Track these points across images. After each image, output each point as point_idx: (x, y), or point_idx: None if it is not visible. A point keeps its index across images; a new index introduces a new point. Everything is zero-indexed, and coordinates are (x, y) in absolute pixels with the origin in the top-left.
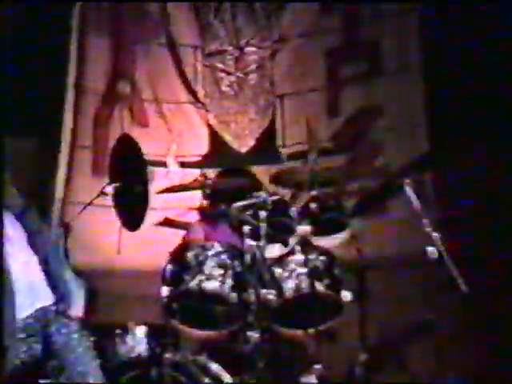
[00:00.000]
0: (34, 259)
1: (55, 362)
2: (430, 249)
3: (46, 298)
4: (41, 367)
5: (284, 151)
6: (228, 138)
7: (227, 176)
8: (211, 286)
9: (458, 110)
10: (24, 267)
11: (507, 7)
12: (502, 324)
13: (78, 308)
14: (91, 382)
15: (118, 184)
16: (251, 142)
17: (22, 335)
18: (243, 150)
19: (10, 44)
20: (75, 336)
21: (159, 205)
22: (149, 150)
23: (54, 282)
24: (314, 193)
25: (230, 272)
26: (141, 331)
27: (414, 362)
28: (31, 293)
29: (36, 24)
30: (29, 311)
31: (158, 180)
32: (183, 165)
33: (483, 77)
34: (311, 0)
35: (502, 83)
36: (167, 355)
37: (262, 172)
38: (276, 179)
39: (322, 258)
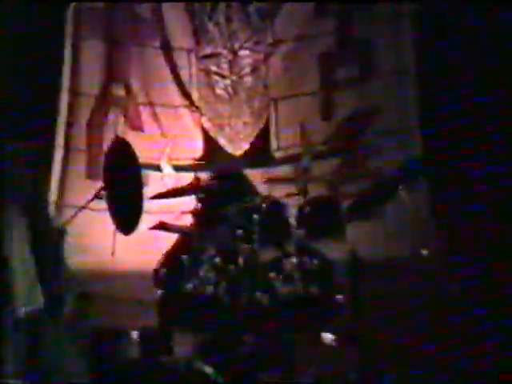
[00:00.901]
0: (32, 259)
1: (43, 364)
2: (424, 252)
3: (38, 301)
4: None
5: (278, 154)
6: (222, 141)
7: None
8: (205, 289)
9: (454, 112)
10: (21, 265)
11: (503, 7)
12: (499, 327)
13: (64, 310)
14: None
15: (111, 187)
16: (245, 146)
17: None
18: (237, 153)
19: (4, 48)
20: (63, 337)
21: (153, 208)
22: (143, 153)
23: (47, 283)
24: (308, 196)
25: (224, 275)
26: (135, 334)
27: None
28: (25, 292)
29: (31, 28)
30: (20, 311)
31: (152, 183)
32: (177, 168)
33: (480, 78)
34: (305, 0)
35: (500, 85)
36: (162, 359)
37: (256, 175)
38: (270, 182)
39: (316, 261)
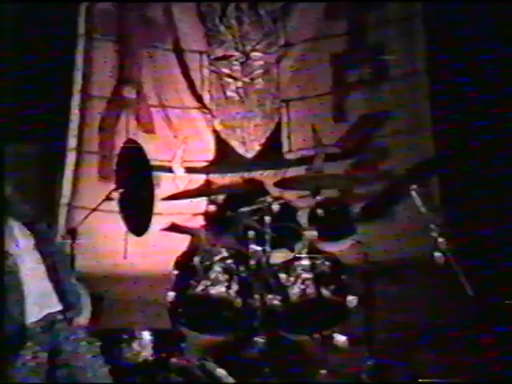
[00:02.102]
0: (42, 266)
1: (64, 371)
2: (436, 253)
3: (54, 305)
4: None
5: (290, 156)
6: (234, 143)
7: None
8: (217, 291)
9: (465, 114)
10: (32, 273)
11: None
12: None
13: (85, 315)
14: None
15: (123, 189)
16: (257, 148)
17: (29, 343)
18: (249, 155)
19: (16, 50)
20: (83, 343)
21: (165, 210)
22: (155, 155)
23: (61, 289)
24: (320, 198)
25: (235, 277)
26: (147, 336)
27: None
28: (39, 299)
29: (42, 30)
30: (37, 318)
31: (164, 185)
32: (189, 170)
33: (490, 80)
34: (317, 0)
35: (509, 86)
36: (173, 360)
37: (267, 177)
38: (282, 184)
39: (327, 263)
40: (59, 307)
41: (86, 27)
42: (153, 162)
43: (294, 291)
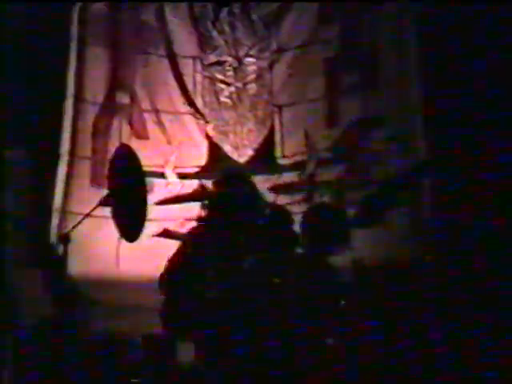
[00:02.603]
0: (37, 271)
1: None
2: (427, 256)
3: (48, 309)
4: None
5: (283, 161)
6: (227, 148)
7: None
8: (210, 295)
9: (458, 119)
10: (27, 278)
11: (507, 12)
12: (498, 327)
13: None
14: None
15: (116, 195)
16: (250, 153)
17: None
18: (242, 160)
19: (8, 54)
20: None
21: (158, 216)
22: (147, 160)
23: (55, 293)
24: (312, 203)
25: (228, 281)
26: (139, 341)
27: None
28: (34, 303)
29: (35, 34)
30: (32, 321)
31: (157, 191)
32: (182, 176)
33: (483, 84)
34: (311, 0)
35: (503, 90)
36: (166, 365)
37: (260, 182)
38: (275, 189)
39: (319, 267)
40: (53, 310)
41: (80, 31)
42: (146, 168)
43: (287, 295)
